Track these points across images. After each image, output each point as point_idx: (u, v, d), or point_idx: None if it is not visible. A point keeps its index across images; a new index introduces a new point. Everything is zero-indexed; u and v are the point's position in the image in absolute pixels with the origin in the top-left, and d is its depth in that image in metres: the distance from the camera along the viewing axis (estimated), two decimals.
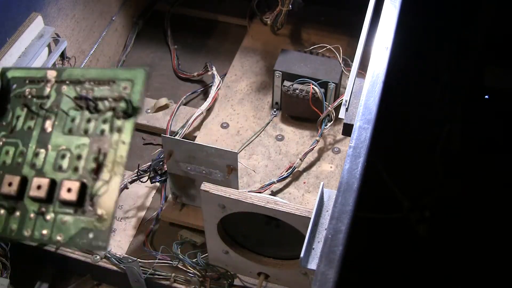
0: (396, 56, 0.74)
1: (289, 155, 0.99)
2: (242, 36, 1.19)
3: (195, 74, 1.13)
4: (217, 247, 0.79)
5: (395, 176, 1.26)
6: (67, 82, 0.43)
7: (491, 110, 1.39)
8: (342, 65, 1.01)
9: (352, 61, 0.81)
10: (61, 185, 0.40)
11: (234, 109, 1.06)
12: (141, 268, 0.83)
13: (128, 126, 0.40)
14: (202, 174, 0.84)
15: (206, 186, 0.70)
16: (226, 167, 0.82)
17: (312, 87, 0.97)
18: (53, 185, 0.41)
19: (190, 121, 1.01)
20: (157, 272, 0.85)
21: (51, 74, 0.44)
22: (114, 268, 0.85)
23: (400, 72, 0.88)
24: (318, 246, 0.62)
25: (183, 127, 1.00)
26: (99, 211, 0.40)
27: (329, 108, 0.96)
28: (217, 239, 0.77)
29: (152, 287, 0.86)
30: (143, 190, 0.98)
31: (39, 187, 0.41)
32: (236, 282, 0.85)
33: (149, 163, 0.91)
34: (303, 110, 1.00)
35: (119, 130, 0.40)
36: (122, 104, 0.41)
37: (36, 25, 0.88)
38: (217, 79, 1.08)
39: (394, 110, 1.07)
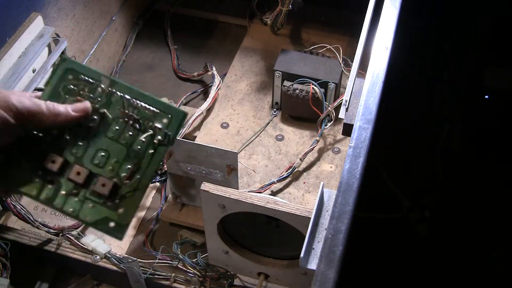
0: (396, 56, 0.74)
1: (289, 155, 0.99)
2: (242, 36, 1.19)
3: (195, 74, 1.13)
4: (217, 247, 0.79)
5: (395, 176, 1.26)
6: (118, 93, 0.51)
7: (491, 110, 1.39)
8: (342, 65, 1.01)
9: (352, 61, 0.81)
10: (98, 179, 0.49)
11: (234, 109, 1.06)
12: (141, 268, 0.83)
13: (161, 151, 0.50)
14: (202, 174, 0.84)
15: (206, 186, 0.70)
16: (226, 167, 0.82)
17: (312, 87, 0.97)
18: (90, 176, 0.50)
19: (190, 121, 1.01)
20: (157, 272, 0.85)
21: (105, 81, 0.51)
22: (114, 268, 0.85)
23: (400, 72, 0.88)
24: (318, 246, 0.62)
25: (183, 127, 1.00)
26: (122, 209, 0.49)
27: (329, 108, 0.96)
28: (217, 239, 0.77)
29: (152, 287, 0.86)
30: None
31: (78, 173, 0.49)
32: (236, 282, 0.85)
33: None
34: (303, 110, 1.00)
35: (154, 153, 0.50)
36: (161, 134, 0.50)
37: (36, 25, 0.88)
38: (217, 79, 1.08)
39: (394, 110, 1.07)
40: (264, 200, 0.70)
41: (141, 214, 0.95)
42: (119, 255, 0.86)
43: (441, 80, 1.32)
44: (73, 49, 1.02)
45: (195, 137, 1.02)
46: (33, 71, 0.87)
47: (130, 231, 0.93)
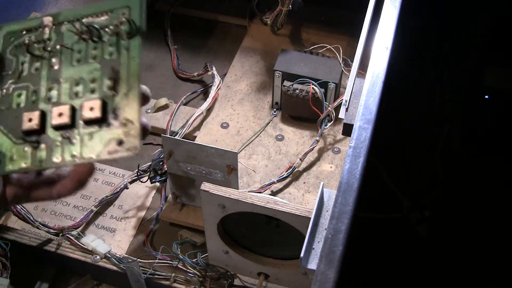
0: (396, 56, 0.74)
1: (289, 155, 0.99)
2: (242, 36, 1.19)
3: (195, 74, 1.13)
4: (217, 247, 0.79)
5: (395, 176, 1.26)
6: (65, 22, 0.45)
7: (491, 110, 1.39)
8: (342, 65, 1.01)
9: (352, 61, 0.81)
10: (82, 107, 0.42)
11: (234, 109, 1.06)
12: (141, 268, 0.83)
13: (134, 43, 0.43)
14: (202, 174, 0.84)
15: (206, 186, 0.70)
16: (226, 167, 0.82)
17: (312, 87, 0.97)
18: (74, 110, 0.43)
19: (190, 121, 1.01)
20: (157, 272, 0.85)
21: (47, 20, 0.45)
22: (114, 268, 0.85)
23: (400, 72, 0.88)
24: (318, 246, 0.62)
25: (183, 127, 1.00)
26: (124, 118, 0.41)
27: (329, 108, 0.96)
28: (217, 239, 0.77)
29: (152, 287, 0.86)
30: (143, 190, 0.98)
31: (60, 114, 0.43)
32: (236, 282, 0.85)
33: (149, 163, 0.92)
34: (303, 110, 1.00)
35: (127, 48, 0.43)
36: (125, 27, 0.43)
37: None
38: (217, 79, 1.08)
39: (394, 110, 1.07)
40: (264, 200, 0.70)
41: (141, 214, 0.95)
42: (119, 255, 0.86)
43: (441, 80, 1.32)
44: None
45: (195, 137, 1.02)
46: None
47: (130, 231, 0.93)
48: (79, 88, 0.43)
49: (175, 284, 0.84)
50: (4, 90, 0.45)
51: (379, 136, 0.67)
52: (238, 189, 0.86)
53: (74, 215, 0.94)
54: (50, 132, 0.43)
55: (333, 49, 1.05)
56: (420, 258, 1.22)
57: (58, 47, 0.45)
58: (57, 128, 0.43)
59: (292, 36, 1.18)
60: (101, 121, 0.42)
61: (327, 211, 0.65)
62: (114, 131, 0.42)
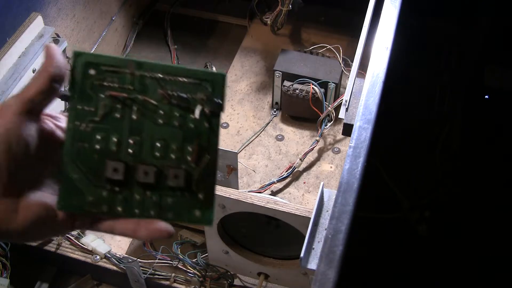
0: (396, 56, 0.74)
1: (289, 155, 0.99)
2: (242, 36, 1.19)
3: None
4: (217, 247, 0.79)
5: (395, 176, 1.26)
6: (149, 75, 0.45)
7: (491, 110, 1.39)
8: (342, 65, 1.01)
9: (352, 61, 0.81)
10: (168, 172, 0.45)
11: (234, 109, 1.06)
12: (141, 268, 0.83)
13: (216, 122, 0.45)
14: None
15: None
16: (226, 167, 0.82)
17: (312, 87, 0.97)
18: (158, 171, 0.45)
19: None
20: (157, 272, 0.85)
21: (131, 65, 0.45)
22: (114, 268, 0.85)
23: (400, 72, 0.88)
24: (318, 246, 0.62)
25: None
26: (202, 194, 0.45)
27: (329, 108, 0.96)
28: (217, 239, 0.77)
29: (152, 287, 0.86)
30: None
31: (146, 173, 0.44)
32: (236, 282, 0.85)
33: None
34: (303, 110, 1.00)
35: (210, 124, 0.45)
36: (210, 103, 0.45)
37: (36, 25, 0.88)
38: None
39: (394, 110, 1.07)
40: (264, 200, 0.70)
41: None
42: (119, 255, 0.86)
43: (441, 80, 1.32)
44: (73, 49, 1.02)
45: None
46: (33, 71, 0.87)
47: None
48: (162, 150, 0.45)
49: (175, 284, 0.84)
50: (83, 126, 0.44)
51: (379, 136, 0.67)
52: (238, 189, 0.86)
53: None
54: (133, 185, 0.45)
55: (333, 49, 1.05)
56: (420, 258, 1.22)
57: (141, 98, 0.45)
58: (141, 184, 0.44)
59: (292, 36, 1.18)
60: (183, 190, 0.45)
61: (327, 211, 0.65)
62: (193, 202, 0.45)
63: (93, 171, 0.44)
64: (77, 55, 0.45)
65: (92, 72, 0.45)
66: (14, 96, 0.42)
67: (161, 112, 0.45)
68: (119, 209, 0.44)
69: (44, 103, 0.43)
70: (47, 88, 0.42)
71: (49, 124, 0.45)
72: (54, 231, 0.45)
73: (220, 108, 0.45)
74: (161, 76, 0.45)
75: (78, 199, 0.44)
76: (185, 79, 0.45)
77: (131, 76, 0.45)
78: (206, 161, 0.45)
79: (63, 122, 0.46)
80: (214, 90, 0.45)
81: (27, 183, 0.42)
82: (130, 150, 0.45)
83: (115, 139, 0.45)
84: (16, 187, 0.41)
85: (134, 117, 0.45)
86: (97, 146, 0.44)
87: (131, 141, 0.45)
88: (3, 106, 0.42)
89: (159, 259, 0.86)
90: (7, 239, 0.70)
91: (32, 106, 0.42)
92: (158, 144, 0.45)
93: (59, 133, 0.45)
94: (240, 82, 1.10)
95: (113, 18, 1.15)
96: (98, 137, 0.45)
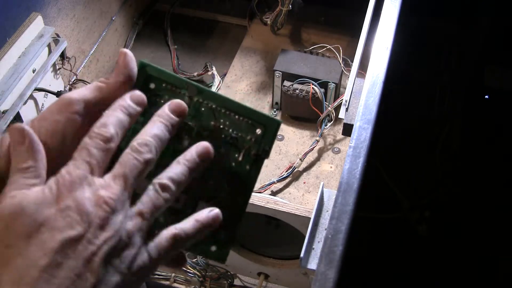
0: (396, 56, 0.74)
1: (289, 155, 0.99)
2: (242, 36, 1.19)
3: (195, 74, 1.13)
4: None
5: (395, 176, 1.26)
6: (206, 103, 0.45)
7: (491, 110, 1.39)
8: (342, 65, 1.01)
9: (352, 61, 0.81)
10: (198, 203, 0.44)
11: None
12: None
13: (258, 166, 0.45)
14: None
15: None
16: None
17: (312, 87, 0.97)
18: (189, 201, 0.44)
19: None
20: (157, 272, 0.85)
21: (192, 90, 0.44)
22: None
23: (400, 72, 0.88)
24: (318, 246, 0.62)
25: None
26: (224, 232, 0.44)
27: (329, 108, 0.96)
28: None
29: (152, 287, 0.86)
30: None
31: (177, 199, 0.43)
32: (236, 282, 0.85)
33: None
34: (303, 110, 1.00)
35: (250, 167, 0.45)
36: (256, 147, 0.45)
37: (36, 25, 0.88)
38: (217, 79, 1.08)
39: (394, 110, 1.07)
40: (264, 200, 0.70)
41: None
42: None
43: (441, 80, 1.32)
44: (73, 49, 1.02)
45: None
46: (33, 71, 0.87)
47: None
48: (199, 181, 0.44)
49: (175, 284, 0.84)
50: (130, 135, 0.43)
51: (379, 136, 0.67)
52: None
53: None
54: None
55: (333, 49, 1.05)
56: (420, 258, 1.22)
57: (191, 123, 0.44)
58: (168, 208, 0.43)
59: (292, 36, 1.18)
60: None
61: (327, 211, 0.65)
62: (212, 238, 0.44)
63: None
64: (142, 66, 0.44)
65: (152, 86, 0.44)
66: (78, 93, 0.41)
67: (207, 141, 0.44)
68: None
69: (102, 109, 0.42)
70: (111, 97, 0.42)
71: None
72: None
73: (266, 154, 0.45)
74: (218, 108, 0.44)
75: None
76: (240, 117, 0.45)
77: (188, 100, 0.44)
78: (241, 203, 0.45)
79: None
80: (265, 135, 0.45)
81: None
82: (202, 186, 0.44)
83: (154, 161, 0.43)
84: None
85: (183, 142, 0.44)
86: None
87: (205, 179, 0.44)
88: (67, 102, 0.41)
89: None
90: None
91: (92, 109, 0.42)
92: (209, 182, 0.44)
93: None
94: (240, 82, 1.10)
95: (113, 18, 1.15)
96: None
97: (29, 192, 0.38)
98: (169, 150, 0.43)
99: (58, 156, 0.41)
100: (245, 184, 0.45)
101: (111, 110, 0.41)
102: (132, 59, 0.43)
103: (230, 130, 0.45)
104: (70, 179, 0.38)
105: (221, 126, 0.45)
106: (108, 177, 0.39)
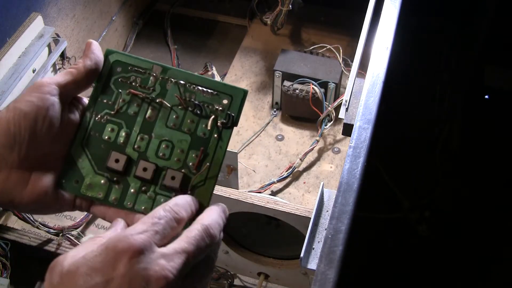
0: (396, 56, 0.74)
1: (289, 155, 0.99)
2: (242, 36, 1.19)
3: (195, 74, 1.13)
4: None
5: (395, 176, 1.26)
6: (171, 80, 0.48)
7: (491, 110, 1.39)
8: (342, 65, 1.01)
9: (352, 61, 0.81)
10: (166, 172, 0.47)
11: None
12: None
13: (226, 134, 0.47)
14: None
15: None
16: (226, 167, 0.82)
17: (312, 87, 0.97)
18: (157, 170, 0.47)
19: None
20: None
21: (157, 69, 0.49)
22: None
23: (400, 72, 0.88)
24: (318, 246, 0.62)
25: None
26: (197, 198, 0.46)
27: (329, 108, 0.96)
28: None
29: None
30: None
31: (145, 169, 0.47)
32: (236, 282, 0.85)
33: None
34: (303, 110, 1.00)
35: (219, 136, 0.47)
36: (223, 115, 0.47)
37: (36, 25, 0.88)
38: (217, 79, 1.08)
39: (394, 110, 1.07)
40: (264, 200, 0.70)
41: None
42: None
43: (441, 80, 1.32)
44: (73, 49, 1.02)
45: None
46: (33, 71, 0.87)
47: None
48: (167, 151, 0.47)
49: None
50: (99, 116, 0.47)
51: (379, 136, 0.67)
52: (238, 189, 0.86)
53: (74, 215, 0.94)
54: (130, 179, 0.47)
55: (333, 49, 1.05)
56: (420, 258, 1.22)
57: (158, 100, 0.48)
58: (138, 178, 0.47)
59: (292, 36, 1.18)
60: (177, 191, 0.46)
61: (327, 211, 0.65)
62: None
63: (97, 158, 0.47)
64: (108, 52, 0.48)
65: (119, 69, 0.48)
66: (50, 78, 0.45)
67: (174, 116, 0.47)
68: (113, 198, 0.47)
69: (75, 92, 0.46)
70: (81, 79, 0.46)
71: (76, 112, 0.47)
72: (56, 209, 0.47)
73: (233, 122, 0.47)
74: (182, 82, 0.48)
75: (77, 182, 0.47)
76: (205, 89, 0.48)
77: (154, 79, 0.48)
78: (206, 169, 0.46)
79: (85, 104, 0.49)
80: (231, 104, 0.48)
81: (42, 160, 0.45)
82: (136, 146, 0.47)
83: (124, 134, 0.47)
84: (31, 162, 0.44)
85: (147, 116, 0.47)
86: (106, 137, 0.47)
87: (139, 138, 0.47)
88: (38, 84, 0.44)
89: None
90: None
91: (65, 92, 0.45)
92: (164, 145, 0.47)
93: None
94: (240, 82, 1.10)
95: (113, 18, 1.15)
96: (109, 129, 0.47)
97: (79, 250, 0.38)
98: (137, 124, 0.47)
99: (32, 138, 0.43)
100: (215, 152, 0.47)
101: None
102: (97, 47, 0.47)
103: (195, 101, 0.47)
104: (132, 244, 0.37)
105: (187, 99, 0.47)
106: (173, 249, 0.39)
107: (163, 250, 0.39)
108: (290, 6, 1.04)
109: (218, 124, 0.47)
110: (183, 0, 1.27)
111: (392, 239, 1.23)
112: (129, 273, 0.36)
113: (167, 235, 0.40)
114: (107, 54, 0.48)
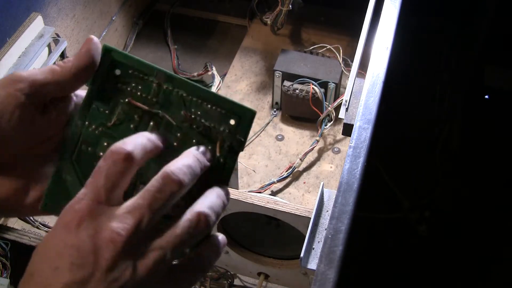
0: (396, 56, 0.74)
1: (289, 155, 0.99)
2: (242, 36, 1.19)
3: (195, 74, 1.13)
4: None
5: (395, 176, 1.26)
6: (177, 91, 0.42)
7: (491, 110, 1.39)
8: (342, 65, 1.01)
9: (352, 61, 0.81)
10: None
11: None
12: None
13: (232, 158, 0.42)
14: None
15: None
16: None
17: (312, 87, 0.97)
18: None
19: None
20: None
21: (161, 76, 0.41)
22: None
23: (400, 72, 0.88)
24: (318, 246, 0.62)
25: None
26: None
27: (329, 108, 0.96)
28: None
29: None
30: None
31: None
32: (236, 282, 0.85)
33: None
34: (303, 110, 1.00)
35: (224, 160, 0.42)
36: (230, 138, 0.42)
37: (36, 25, 0.88)
38: (217, 79, 1.07)
39: (394, 110, 1.07)
40: (264, 200, 0.70)
41: None
42: None
43: (441, 80, 1.32)
44: (73, 49, 1.02)
45: None
46: None
47: None
48: None
49: None
50: (93, 127, 0.41)
51: (379, 136, 0.67)
52: (238, 189, 0.86)
53: None
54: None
55: (333, 49, 1.05)
56: (420, 258, 1.23)
57: (161, 115, 0.41)
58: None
59: (292, 36, 1.18)
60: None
61: (327, 211, 0.65)
62: None
63: (88, 176, 0.39)
64: (106, 50, 0.41)
65: (117, 72, 0.41)
66: (29, 72, 0.39)
67: (178, 134, 0.41)
68: None
69: (57, 93, 0.40)
70: (66, 81, 0.39)
71: (59, 113, 0.41)
72: (20, 214, 0.44)
73: (240, 146, 0.42)
74: (189, 96, 0.41)
75: (64, 203, 0.37)
76: (213, 107, 0.41)
77: (157, 87, 0.41)
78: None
79: (71, 105, 0.42)
80: (239, 126, 0.42)
81: (7, 161, 0.40)
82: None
83: None
84: None
85: (151, 131, 0.41)
86: (101, 153, 0.40)
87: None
88: (13, 78, 0.38)
89: None
90: None
91: (41, 92, 0.39)
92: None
93: (63, 118, 0.41)
94: (240, 82, 1.10)
95: (113, 18, 1.15)
96: (105, 143, 0.40)
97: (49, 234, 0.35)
98: None
99: None
100: (221, 178, 0.42)
101: (132, 135, 0.38)
102: (96, 45, 0.40)
103: (203, 120, 0.41)
104: (76, 212, 0.35)
105: (193, 116, 0.41)
106: (124, 207, 0.35)
107: (115, 210, 0.35)
108: (290, 6, 1.04)
109: (225, 147, 0.42)
110: (183, 0, 1.27)
111: (392, 239, 1.23)
112: (76, 243, 0.34)
113: (120, 184, 0.35)
114: (105, 51, 0.41)
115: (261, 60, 1.14)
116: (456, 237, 1.25)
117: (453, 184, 1.30)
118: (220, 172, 0.42)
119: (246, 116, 0.42)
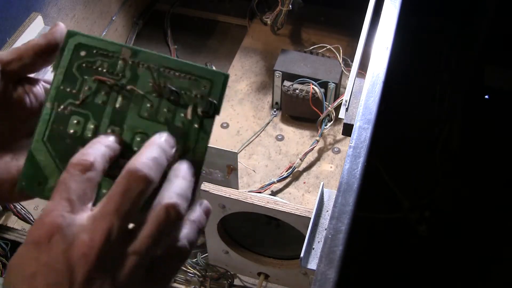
0: (396, 56, 0.74)
1: (289, 155, 0.99)
2: (242, 36, 1.19)
3: None
4: (217, 247, 0.79)
5: (395, 176, 1.26)
6: (143, 64, 0.42)
7: (491, 110, 1.39)
8: (342, 65, 1.01)
9: (352, 61, 0.81)
10: None
11: (234, 109, 1.06)
12: None
13: (208, 124, 0.42)
14: (202, 174, 0.84)
15: (206, 186, 0.71)
16: (226, 167, 0.82)
17: (312, 87, 0.97)
18: None
19: None
20: None
21: (126, 52, 0.42)
22: None
23: (400, 72, 0.88)
24: (318, 246, 0.62)
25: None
26: None
27: (329, 108, 0.96)
28: (217, 239, 0.77)
29: None
30: None
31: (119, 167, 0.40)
32: (236, 282, 0.85)
33: None
34: (303, 110, 1.00)
35: (200, 127, 0.42)
36: (203, 103, 0.42)
37: (36, 25, 0.88)
38: None
39: (394, 110, 1.07)
40: (264, 200, 0.70)
41: None
42: None
43: (441, 80, 1.32)
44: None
45: None
46: None
47: None
48: (142, 145, 0.40)
49: (175, 284, 0.84)
50: (61, 107, 0.41)
51: (379, 136, 0.67)
52: (238, 189, 0.86)
53: None
54: (102, 178, 0.41)
55: (333, 49, 1.05)
56: (420, 258, 1.23)
57: (129, 87, 0.42)
58: (111, 177, 0.40)
59: (292, 36, 1.18)
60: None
61: (327, 211, 0.65)
62: None
63: (63, 156, 0.40)
64: (70, 35, 0.42)
65: (82, 53, 0.42)
66: None
67: (148, 105, 0.41)
68: None
69: (22, 72, 0.41)
70: (28, 58, 0.41)
71: (30, 95, 0.42)
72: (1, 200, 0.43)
73: (215, 110, 0.42)
74: (155, 67, 0.42)
75: (40, 184, 0.40)
76: (182, 74, 0.42)
77: (123, 63, 0.42)
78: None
79: (40, 88, 0.44)
80: (211, 90, 0.42)
81: None
82: None
83: (92, 126, 0.41)
84: None
85: (117, 105, 0.41)
86: (72, 131, 0.41)
87: (109, 131, 0.41)
88: None
89: None
90: None
91: (8, 70, 0.40)
92: (138, 138, 0.41)
93: (33, 100, 0.43)
94: (240, 82, 1.10)
95: (113, 18, 1.15)
96: (75, 121, 0.41)
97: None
98: (106, 115, 0.41)
99: None
100: (196, 144, 0.42)
101: (89, 144, 0.38)
102: (61, 28, 0.41)
103: (172, 88, 0.41)
104: (45, 225, 0.34)
105: (162, 85, 0.41)
106: (92, 216, 0.34)
107: (84, 221, 0.34)
108: (290, 6, 1.04)
109: (199, 113, 0.41)
110: (183, 0, 1.27)
111: (392, 239, 1.23)
112: (49, 261, 0.33)
113: (87, 192, 0.35)
114: (68, 36, 0.42)
115: (261, 60, 1.14)
116: (456, 237, 1.25)
117: (453, 184, 1.30)
118: (195, 139, 0.42)
119: (218, 79, 0.42)
